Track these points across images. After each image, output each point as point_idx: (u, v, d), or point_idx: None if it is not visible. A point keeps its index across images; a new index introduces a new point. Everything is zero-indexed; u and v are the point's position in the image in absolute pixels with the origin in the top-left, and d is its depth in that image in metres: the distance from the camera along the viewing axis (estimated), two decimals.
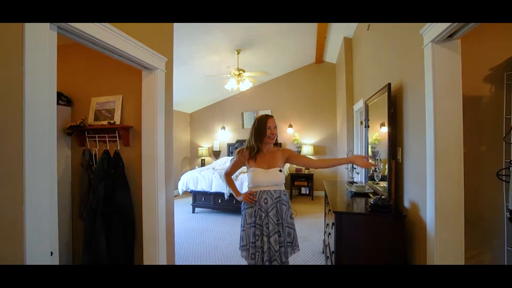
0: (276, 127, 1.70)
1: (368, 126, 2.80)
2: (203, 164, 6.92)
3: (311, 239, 3.54)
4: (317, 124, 6.32)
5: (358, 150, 4.41)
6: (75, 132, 2.10)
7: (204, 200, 4.79)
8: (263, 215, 1.65)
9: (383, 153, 2.50)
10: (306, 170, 6.07)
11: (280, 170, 1.71)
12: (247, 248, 1.69)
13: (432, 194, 1.35)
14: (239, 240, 1.78)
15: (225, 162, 6.22)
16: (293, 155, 1.82)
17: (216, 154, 7.05)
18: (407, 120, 1.77)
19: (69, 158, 2.19)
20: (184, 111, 7.11)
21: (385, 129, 2.82)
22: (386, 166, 2.42)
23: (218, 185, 4.58)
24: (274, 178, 1.68)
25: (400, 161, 1.87)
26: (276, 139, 1.72)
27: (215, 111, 6.96)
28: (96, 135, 2.08)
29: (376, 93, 2.35)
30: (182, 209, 5.10)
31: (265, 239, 1.62)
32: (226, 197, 4.50)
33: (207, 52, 4.33)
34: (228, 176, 2.05)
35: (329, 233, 2.24)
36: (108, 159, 1.97)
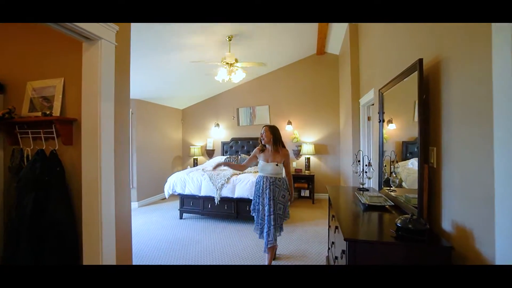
0: (264, 132, 2.61)
1: (383, 120, 2.29)
2: (195, 164, 6.42)
3: (310, 254, 3.02)
4: (319, 120, 5.82)
5: (365, 149, 3.91)
6: (1, 127, 1.60)
7: (193, 205, 4.30)
8: (260, 190, 2.60)
9: (391, 154, 2.01)
10: (307, 171, 5.57)
11: (277, 165, 2.56)
12: (252, 209, 2.76)
13: None
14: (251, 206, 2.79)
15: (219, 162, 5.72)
16: (286, 162, 2.69)
17: (209, 153, 6.55)
18: (448, 110, 1.26)
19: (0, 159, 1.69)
20: (175, 107, 6.60)
21: (392, 126, 2.32)
22: (397, 169, 1.92)
23: (208, 189, 4.08)
24: (271, 169, 2.57)
25: (434, 166, 1.37)
26: (269, 139, 2.60)
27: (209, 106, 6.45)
28: (30, 131, 1.57)
29: (396, 77, 1.84)
30: (169, 214, 4.61)
31: (260, 207, 2.57)
32: (216, 202, 4.00)
33: (197, 40, 3.82)
34: (242, 165, 2.91)
35: (336, 257, 1.75)
36: (43, 162, 1.48)
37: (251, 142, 6.08)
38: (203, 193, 4.12)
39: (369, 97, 3.49)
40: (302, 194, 5.73)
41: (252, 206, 2.75)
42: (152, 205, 5.28)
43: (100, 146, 1.34)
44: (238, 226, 3.95)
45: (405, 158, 1.99)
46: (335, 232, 1.77)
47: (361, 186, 2.38)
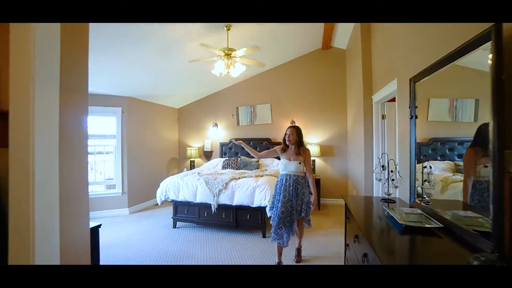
0: (291, 134, 2.68)
1: (416, 116, 1.89)
2: (192, 166, 6.01)
3: None
4: (324, 120, 5.41)
5: (379, 151, 3.51)
6: None
7: (188, 213, 3.89)
8: (283, 188, 2.64)
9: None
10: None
11: (300, 163, 2.64)
12: (271, 207, 2.86)
13: None
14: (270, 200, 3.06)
15: (217, 164, 5.31)
16: (308, 161, 2.73)
17: (207, 155, 6.14)
18: None
19: None
20: (171, 105, 6.20)
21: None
22: (431, 176, 1.52)
23: (203, 195, 3.67)
24: (294, 167, 2.64)
25: None
26: (294, 141, 2.69)
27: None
28: None
29: (442, 59, 1.43)
30: (162, 223, 4.19)
31: (280, 204, 2.60)
32: (213, 210, 3.59)
33: (193, 34, 3.42)
34: (259, 153, 2.96)
35: None
36: None
37: (251, 143, 5.67)
38: (198, 199, 3.71)
39: (385, 92, 3.09)
40: None
41: (271, 204, 2.89)
42: (144, 212, 4.87)
43: (31, 146, 0.93)
44: (238, 237, 3.53)
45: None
46: (363, 261, 1.36)
47: (386, 196, 1.98)
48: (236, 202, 3.54)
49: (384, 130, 3.54)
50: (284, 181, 2.65)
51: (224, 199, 3.59)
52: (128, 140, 4.75)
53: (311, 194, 2.74)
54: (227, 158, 5.39)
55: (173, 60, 4.09)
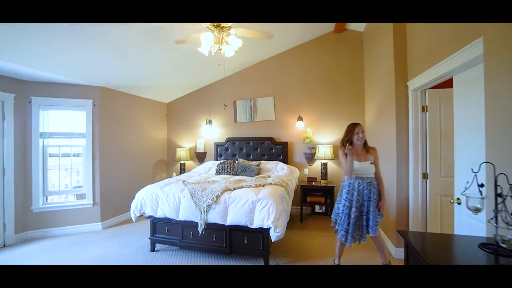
0: (362, 132, 2.41)
1: None
2: (182, 170, 5.17)
3: None
4: (337, 116, 4.55)
5: (418, 154, 2.67)
6: None
7: (169, 233, 3.04)
8: (355, 193, 2.35)
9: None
10: (323, 181, 4.30)
11: (371, 163, 2.38)
12: (337, 215, 2.48)
13: None
14: (334, 209, 2.54)
15: (210, 168, 4.47)
16: (376, 161, 2.44)
17: (200, 157, 5.30)
18: None
19: None
20: (158, 99, 5.35)
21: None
22: None
23: (188, 211, 2.82)
24: (367, 168, 2.36)
25: None
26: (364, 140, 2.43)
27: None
28: None
29: None
30: (138, 244, 3.34)
31: (353, 209, 2.34)
32: (201, 230, 2.74)
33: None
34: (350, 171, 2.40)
35: None
36: None
37: (251, 144, 4.83)
38: (182, 216, 2.86)
39: (432, 74, 2.25)
40: (317, 210, 4.48)
41: (333, 215, 2.54)
42: (121, 227, 4.02)
43: None
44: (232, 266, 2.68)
45: None
46: None
47: (501, 243, 1.10)
48: (230, 221, 2.69)
49: (425, 126, 2.69)
50: (357, 185, 2.35)
51: (214, 217, 2.74)
52: (101, 139, 3.90)
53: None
54: (222, 160, 4.54)
55: (157, 43, 3.23)
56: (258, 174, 4.06)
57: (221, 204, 2.73)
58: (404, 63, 2.88)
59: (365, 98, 4.42)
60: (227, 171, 4.19)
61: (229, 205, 2.73)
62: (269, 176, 3.65)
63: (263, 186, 3.03)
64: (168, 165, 5.62)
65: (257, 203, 2.63)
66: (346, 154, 2.34)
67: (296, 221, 4.18)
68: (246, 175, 4.00)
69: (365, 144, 2.44)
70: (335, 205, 2.52)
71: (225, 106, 4.52)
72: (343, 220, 2.38)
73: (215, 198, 2.75)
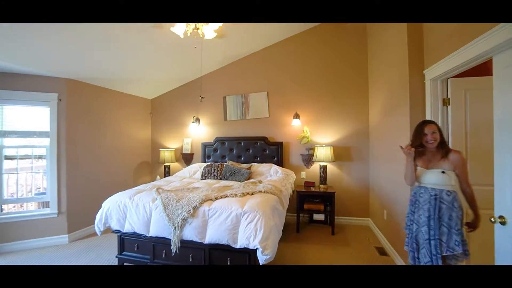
0: (434, 132, 1.78)
1: None
2: (167, 173, 4.68)
3: None
4: (338, 113, 4.08)
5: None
6: None
7: (138, 250, 2.55)
8: (418, 206, 1.85)
9: None
10: (323, 186, 3.82)
11: (443, 172, 1.77)
12: (405, 228, 1.96)
13: None
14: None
15: (195, 172, 3.98)
16: (460, 170, 1.77)
17: (187, 159, 4.80)
18: None
19: None
20: (140, 95, 4.86)
21: None
22: None
23: (160, 225, 2.33)
24: (433, 178, 1.79)
25: None
26: (438, 141, 1.79)
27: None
28: None
29: None
30: (105, 260, 2.85)
31: (414, 226, 1.85)
32: (174, 249, 2.25)
33: None
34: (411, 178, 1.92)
35: None
36: None
37: (242, 144, 4.34)
38: (153, 231, 2.37)
39: (462, 57, 1.78)
40: (316, 218, 4.00)
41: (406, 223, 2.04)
42: (91, 239, 3.51)
43: None
44: None
45: None
46: None
47: None
48: (209, 239, 2.20)
49: (447, 124, 2.22)
50: (419, 196, 1.86)
51: (190, 234, 2.25)
52: (68, 139, 3.40)
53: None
54: (210, 163, 4.05)
55: (134, 28, 2.74)
56: (249, 178, 3.58)
57: (199, 218, 2.25)
58: (419, 48, 2.41)
59: (369, 93, 3.95)
60: (214, 175, 3.71)
61: (209, 219, 2.24)
62: (260, 182, 3.16)
63: (252, 194, 2.55)
64: (152, 167, 5.12)
65: (242, 217, 2.15)
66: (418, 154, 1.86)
67: (291, 231, 3.70)
68: (235, 180, 3.51)
69: (442, 146, 1.81)
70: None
71: (202, 97, 3.93)
72: (410, 238, 1.90)
73: (191, 211, 2.26)
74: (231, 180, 3.54)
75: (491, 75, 1.62)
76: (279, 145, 4.18)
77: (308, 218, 4.07)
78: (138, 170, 4.81)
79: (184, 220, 2.25)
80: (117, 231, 2.55)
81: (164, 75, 4.39)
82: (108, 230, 2.60)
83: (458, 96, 2.16)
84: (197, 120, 4.75)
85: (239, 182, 3.30)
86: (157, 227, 2.34)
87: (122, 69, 3.68)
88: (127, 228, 2.46)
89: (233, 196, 2.45)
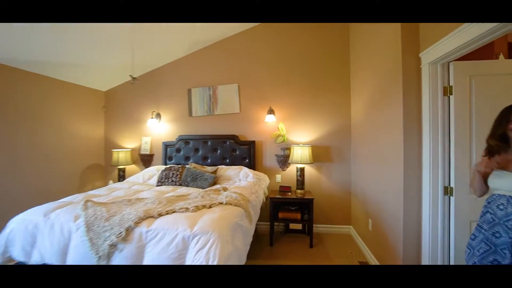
0: None
1: None
2: (121, 177, 3.98)
3: None
4: (317, 109, 3.64)
5: (437, 155, 1.78)
6: None
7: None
8: (494, 221, 1.30)
9: None
10: (300, 191, 3.34)
11: None
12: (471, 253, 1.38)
13: None
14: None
15: (151, 177, 3.35)
16: None
17: (146, 160, 4.13)
18: None
19: None
20: (92, 86, 4.12)
21: None
22: None
23: (81, 253, 1.70)
24: None
25: None
26: None
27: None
28: None
29: None
30: None
31: (482, 245, 1.32)
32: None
33: None
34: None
35: None
36: None
37: (209, 143, 3.77)
38: (72, 259, 1.73)
39: (471, 33, 1.35)
40: (292, 227, 3.52)
41: (468, 248, 1.40)
42: None
43: None
44: None
45: None
46: None
47: None
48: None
49: (448, 117, 1.81)
50: (496, 208, 1.30)
51: (123, 263, 1.65)
52: None
53: None
54: (170, 165, 3.43)
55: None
56: (214, 184, 3.02)
57: (134, 243, 1.65)
58: (415, 26, 1.99)
59: (351, 85, 3.53)
60: (173, 181, 3.10)
61: (147, 244, 1.65)
62: (224, 189, 2.61)
63: (209, 207, 1.99)
64: (106, 171, 4.38)
65: (191, 242, 1.59)
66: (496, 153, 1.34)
67: (264, 243, 3.19)
68: (197, 186, 2.94)
69: None
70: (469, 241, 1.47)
71: (133, 78, 3.01)
72: (467, 256, 1.40)
73: (123, 233, 1.66)
74: (192, 186, 2.97)
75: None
76: (251, 145, 3.65)
77: (284, 228, 3.58)
78: (87, 174, 4.07)
79: (113, 246, 1.64)
80: (20, 263, 1.87)
81: (120, 62, 3.70)
82: (10, 260, 1.91)
83: (462, 84, 1.75)
84: (158, 115, 4.10)
85: (201, 189, 2.73)
86: (76, 256, 1.71)
87: (65, 52, 2.97)
88: (35, 259, 1.80)
89: (183, 211, 1.87)
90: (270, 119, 3.56)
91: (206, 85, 3.94)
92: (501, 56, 2.09)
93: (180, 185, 3.05)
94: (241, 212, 2.00)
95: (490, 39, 1.42)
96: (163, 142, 3.98)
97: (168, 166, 3.41)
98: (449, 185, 1.79)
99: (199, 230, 1.61)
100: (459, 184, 1.74)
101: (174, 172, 3.19)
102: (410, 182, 1.95)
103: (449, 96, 1.79)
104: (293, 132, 3.64)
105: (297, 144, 3.51)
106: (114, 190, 2.69)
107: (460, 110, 1.75)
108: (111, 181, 4.11)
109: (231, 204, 2.06)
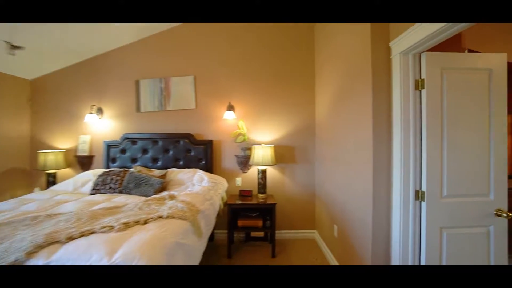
0: None
1: None
2: (51, 184, 3.30)
3: None
4: (280, 105, 3.38)
5: (409, 154, 1.59)
6: None
7: None
8: None
9: None
10: (261, 195, 3.05)
11: None
12: None
13: None
14: None
15: (85, 183, 2.79)
16: None
17: (84, 163, 3.49)
18: None
19: None
20: (14, 74, 3.36)
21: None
22: None
23: None
24: None
25: None
26: None
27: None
28: None
29: None
30: None
31: None
32: None
33: None
34: None
35: None
36: None
37: (160, 143, 3.29)
38: None
39: (429, 29, 1.15)
40: (253, 235, 3.22)
41: None
42: None
43: None
44: None
45: None
46: None
47: None
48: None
49: (419, 114, 1.63)
50: None
51: None
52: None
53: None
54: (108, 170, 2.89)
55: None
56: (162, 190, 2.58)
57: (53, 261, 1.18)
58: None
59: (315, 81, 3.34)
60: (111, 188, 2.59)
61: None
62: (171, 197, 2.19)
63: (144, 223, 1.57)
64: (32, 176, 3.63)
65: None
66: None
67: (221, 255, 2.84)
68: (141, 194, 2.47)
69: None
70: None
71: (13, 46, 2.31)
72: None
73: (35, 248, 1.18)
74: (135, 194, 2.49)
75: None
76: (208, 145, 3.26)
77: (245, 235, 3.26)
78: (6, 180, 3.31)
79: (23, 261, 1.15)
80: (20, 265, 1.28)
81: (52, 44, 3.03)
82: None
83: (434, 78, 1.59)
84: (99, 110, 3.49)
85: (144, 198, 2.27)
86: None
87: None
88: None
89: (105, 231, 1.43)
90: (229, 116, 3.21)
91: (157, 76, 3.45)
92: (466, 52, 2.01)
93: (121, 192, 2.55)
94: (185, 227, 1.62)
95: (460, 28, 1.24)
96: (105, 142, 3.39)
97: (107, 170, 2.87)
98: (420, 189, 1.61)
99: (121, 259, 1.20)
100: (431, 188, 1.57)
101: (113, 177, 2.68)
102: (379, 185, 1.76)
103: (420, 91, 1.61)
104: (254, 131, 3.34)
105: (259, 144, 3.22)
106: (26, 202, 2.11)
107: (431, 105, 1.58)
108: (36, 189, 3.41)
109: (173, 217, 1.67)
